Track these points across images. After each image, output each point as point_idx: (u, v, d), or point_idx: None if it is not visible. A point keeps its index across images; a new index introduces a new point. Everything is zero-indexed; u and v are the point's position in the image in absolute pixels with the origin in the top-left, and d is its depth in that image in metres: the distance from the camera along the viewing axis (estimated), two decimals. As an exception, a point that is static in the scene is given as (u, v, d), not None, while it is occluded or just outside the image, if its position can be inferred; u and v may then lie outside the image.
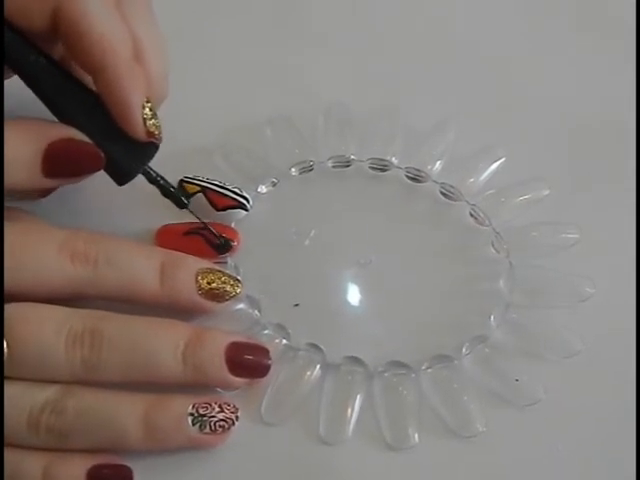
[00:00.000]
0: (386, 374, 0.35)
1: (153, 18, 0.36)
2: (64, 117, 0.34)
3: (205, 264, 0.35)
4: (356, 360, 0.35)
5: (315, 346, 0.35)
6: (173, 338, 0.33)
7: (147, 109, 0.34)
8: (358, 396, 0.34)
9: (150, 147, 0.35)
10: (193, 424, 0.32)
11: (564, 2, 0.50)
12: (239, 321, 0.36)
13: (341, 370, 0.35)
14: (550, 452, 0.34)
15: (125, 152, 0.34)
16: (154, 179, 0.36)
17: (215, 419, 0.32)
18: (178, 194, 0.36)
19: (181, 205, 0.37)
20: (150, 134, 0.34)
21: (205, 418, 0.32)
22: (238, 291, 0.35)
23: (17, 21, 0.33)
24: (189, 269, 0.35)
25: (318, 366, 0.35)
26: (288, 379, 0.34)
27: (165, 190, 0.36)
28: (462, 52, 0.47)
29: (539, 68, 0.47)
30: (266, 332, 0.36)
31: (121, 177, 0.35)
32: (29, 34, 0.33)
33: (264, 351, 0.34)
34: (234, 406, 0.33)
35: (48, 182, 0.33)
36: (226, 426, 0.32)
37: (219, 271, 0.35)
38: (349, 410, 0.34)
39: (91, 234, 0.34)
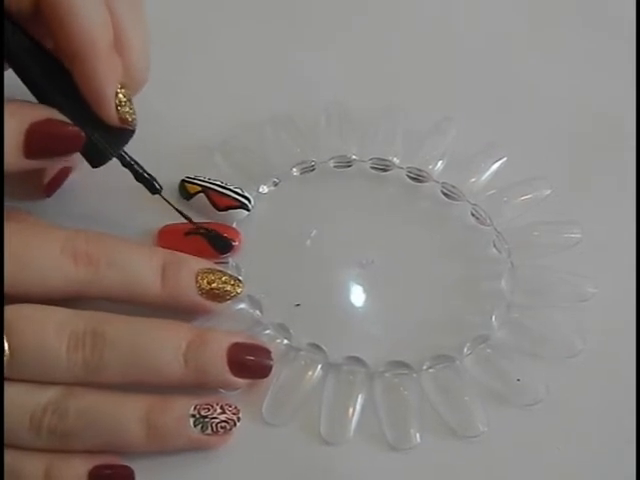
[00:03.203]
0: (387, 374, 0.35)
1: (139, 8, 0.36)
2: (44, 98, 0.34)
3: (206, 264, 0.35)
4: (357, 360, 0.35)
5: (316, 346, 0.35)
6: (175, 339, 0.33)
7: (121, 95, 0.34)
8: (359, 396, 0.34)
9: (125, 132, 0.35)
10: (195, 425, 0.32)
11: (565, 2, 0.50)
12: (240, 321, 0.36)
13: (342, 370, 0.35)
14: (552, 452, 0.34)
15: (100, 136, 0.34)
16: (128, 163, 0.36)
17: (217, 420, 0.32)
18: (151, 179, 0.36)
19: (153, 190, 0.36)
20: (123, 120, 0.34)
21: (207, 419, 0.32)
22: (239, 291, 0.35)
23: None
24: (190, 269, 0.35)
25: (319, 366, 0.35)
26: (289, 379, 0.34)
27: (138, 175, 0.36)
28: (463, 52, 0.47)
29: (540, 68, 0.47)
30: (267, 332, 0.36)
31: (95, 160, 0.35)
32: (14, 15, 0.33)
33: (266, 352, 0.34)
34: (236, 407, 0.33)
35: (28, 163, 0.33)
36: (228, 427, 0.32)
37: (220, 271, 0.35)
38: (350, 410, 0.34)
39: (93, 234, 0.34)
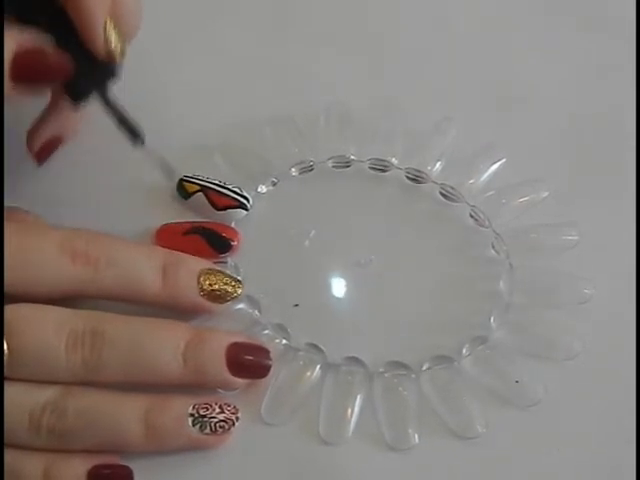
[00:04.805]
0: (386, 374, 0.35)
1: None
2: (29, 19, 0.33)
3: (206, 264, 0.35)
4: (356, 360, 0.35)
5: (315, 346, 0.35)
6: (174, 339, 0.33)
7: (111, 29, 0.33)
8: (358, 396, 0.34)
9: (111, 68, 0.34)
10: (193, 425, 0.32)
11: (565, 2, 0.50)
12: (239, 321, 0.36)
13: (341, 370, 0.35)
14: (551, 453, 0.34)
15: (84, 68, 0.33)
16: (110, 103, 0.34)
17: (215, 420, 0.32)
18: (133, 124, 0.35)
19: (135, 138, 0.35)
20: (110, 53, 0.34)
21: (205, 419, 0.32)
22: (239, 292, 0.35)
23: None
24: (191, 270, 0.35)
25: (318, 366, 0.35)
26: (288, 379, 0.34)
27: (120, 117, 0.35)
28: (462, 52, 0.47)
29: (539, 69, 0.46)
30: (266, 332, 0.36)
31: (77, 94, 0.34)
32: None
33: (264, 352, 0.34)
34: (234, 407, 0.33)
35: (14, 91, 0.32)
36: (226, 427, 0.32)
37: (220, 272, 0.35)
38: (349, 410, 0.34)
39: (91, 234, 0.34)
